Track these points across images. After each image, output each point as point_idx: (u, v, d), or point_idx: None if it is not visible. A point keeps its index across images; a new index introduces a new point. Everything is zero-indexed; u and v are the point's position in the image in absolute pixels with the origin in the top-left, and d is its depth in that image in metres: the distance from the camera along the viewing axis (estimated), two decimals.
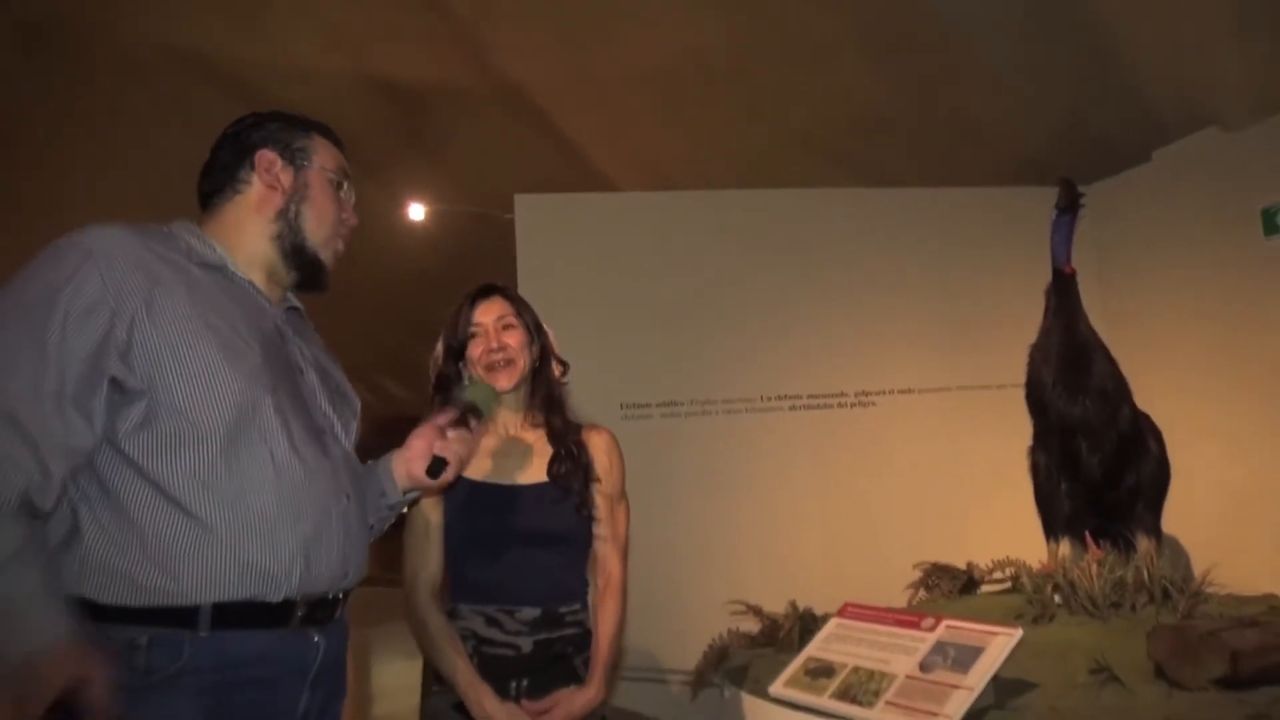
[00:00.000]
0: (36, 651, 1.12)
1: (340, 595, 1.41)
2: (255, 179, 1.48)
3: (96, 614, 1.22)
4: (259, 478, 1.30)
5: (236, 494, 1.28)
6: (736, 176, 4.59)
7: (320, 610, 1.36)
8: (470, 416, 1.61)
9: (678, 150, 5.28)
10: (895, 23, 3.86)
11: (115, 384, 1.25)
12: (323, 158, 1.52)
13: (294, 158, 1.50)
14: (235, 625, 1.25)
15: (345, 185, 1.55)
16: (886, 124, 4.35)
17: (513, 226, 4.26)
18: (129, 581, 1.22)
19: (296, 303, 1.59)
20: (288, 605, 1.30)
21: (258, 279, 1.48)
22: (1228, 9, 3.05)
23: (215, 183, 1.50)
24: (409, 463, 1.56)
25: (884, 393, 3.69)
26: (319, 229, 1.50)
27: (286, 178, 1.49)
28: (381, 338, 8.34)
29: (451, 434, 1.57)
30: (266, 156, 1.48)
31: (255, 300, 1.46)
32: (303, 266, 1.50)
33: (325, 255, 1.52)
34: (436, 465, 1.53)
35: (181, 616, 1.23)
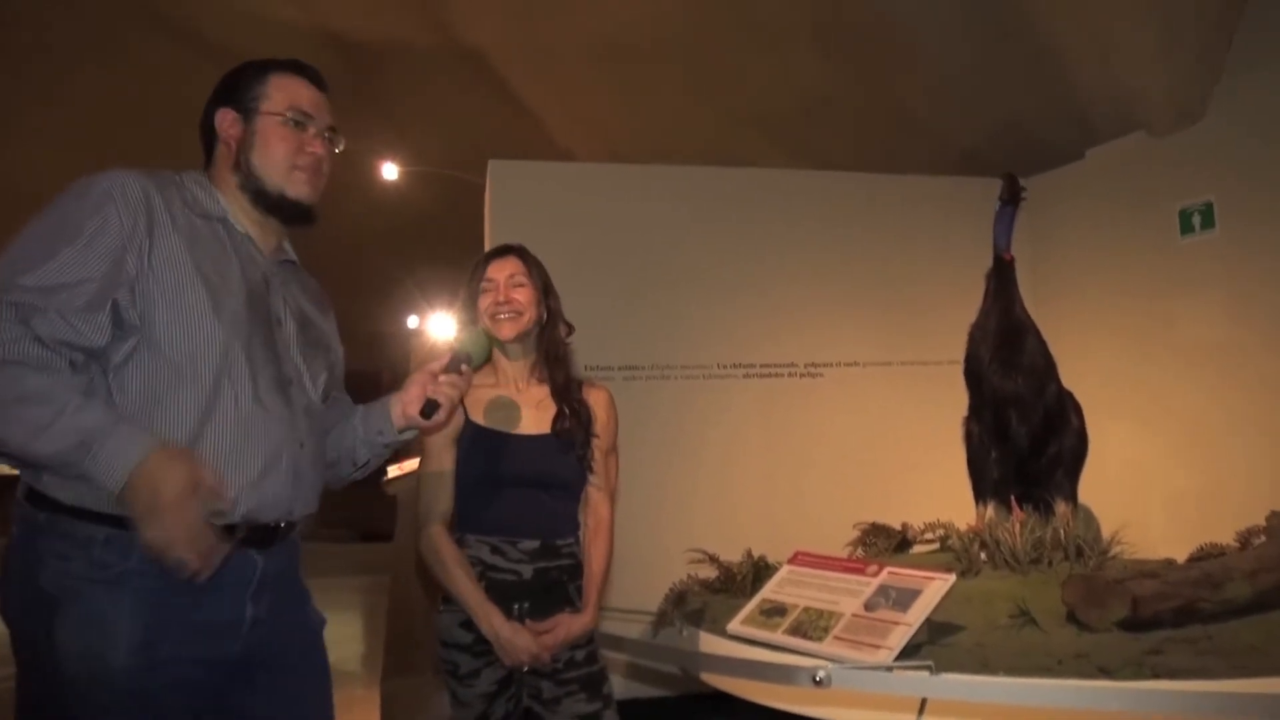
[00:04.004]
0: (142, 461, 1.26)
1: (282, 524, 1.53)
2: (219, 137, 1.59)
3: (63, 510, 1.35)
4: (219, 419, 1.43)
5: (196, 431, 1.40)
6: (686, 153, 4.70)
7: (262, 535, 1.49)
8: (461, 362, 1.70)
9: (630, 123, 5.38)
10: (848, 14, 4.01)
11: (115, 313, 1.37)
12: (276, 100, 1.58)
13: (247, 108, 1.58)
14: None
15: (303, 119, 1.58)
16: (833, 110, 4.51)
17: (472, 189, 4.33)
18: (90, 488, 1.33)
19: (292, 256, 1.69)
20: (230, 528, 1.43)
21: (252, 231, 1.59)
22: (1158, 27, 3.29)
23: (204, 141, 1.62)
24: (405, 405, 1.67)
25: (831, 365, 3.91)
26: (269, 168, 1.56)
27: (237, 130, 1.58)
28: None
29: (443, 379, 1.67)
30: (223, 116, 1.58)
31: (248, 251, 1.57)
32: (273, 208, 1.58)
33: (292, 191, 1.57)
34: (429, 407, 1.64)
35: (133, 524, 1.33)
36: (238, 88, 1.59)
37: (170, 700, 1.38)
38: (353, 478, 1.78)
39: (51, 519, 1.36)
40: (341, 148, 1.66)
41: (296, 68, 1.62)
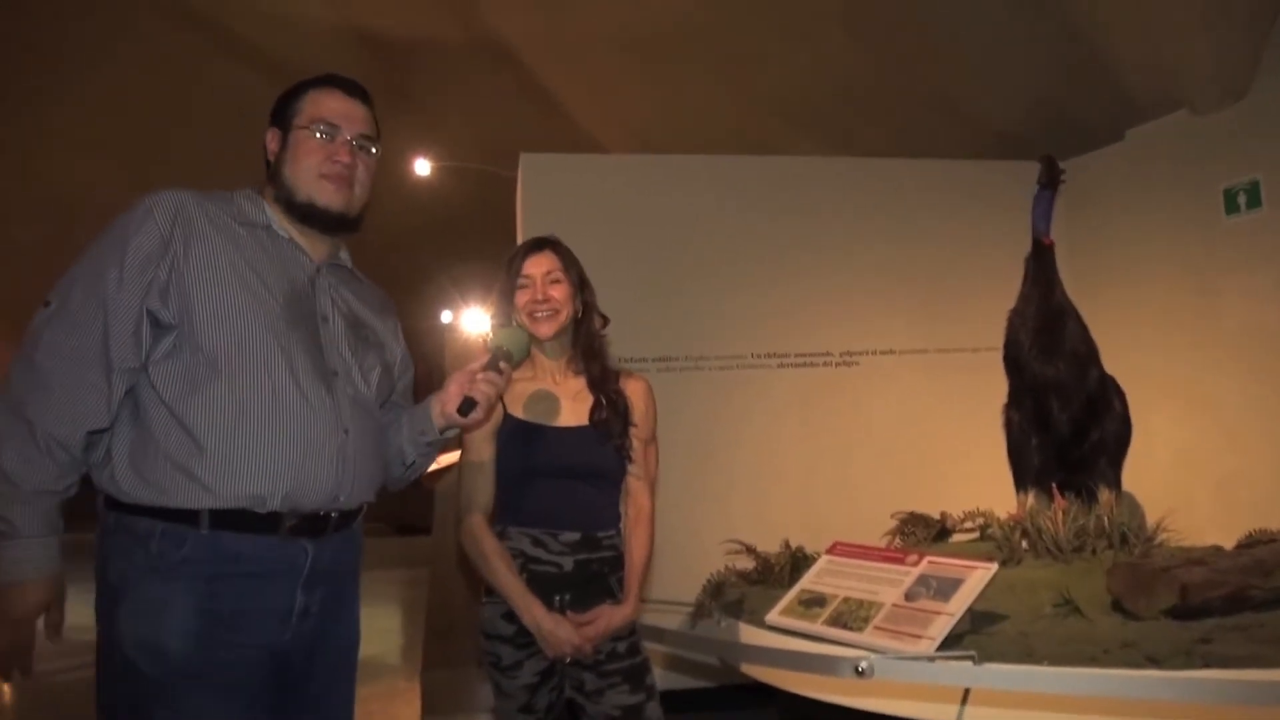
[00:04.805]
0: (29, 582, 1.40)
1: (334, 514, 1.57)
2: (268, 155, 1.69)
3: (122, 507, 1.46)
4: (256, 409, 1.49)
5: (234, 422, 1.47)
6: (717, 142, 4.68)
7: (312, 524, 1.54)
8: (500, 360, 1.73)
9: (660, 114, 5.37)
10: None
11: (152, 317, 1.48)
12: (306, 113, 1.64)
13: (287, 125, 1.65)
14: (230, 527, 1.46)
15: (330, 129, 1.63)
16: (868, 96, 4.47)
17: (504, 183, 4.34)
18: (145, 485, 1.45)
19: (345, 261, 1.76)
20: (275, 516, 1.50)
21: (297, 238, 1.66)
22: (1202, 0, 3.21)
23: (265, 163, 1.70)
24: (443, 403, 1.71)
25: (867, 353, 3.88)
26: (298, 179, 1.62)
27: (276, 146, 1.66)
28: None
29: (481, 377, 1.70)
30: (270, 136, 1.67)
31: (292, 254, 1.64)
32: (305, 217, 1.64)
33: (321, 200, 1.62)
34: (466, 405, 1.67)
35: (185, 517, 1.45)
36: (282, 108, 1.67)
37: (226, 684, 1.44)
38: (406, 478, 1.83)
39: (118, 519, 1.46)
40: (376, 153, 1.70)
41: (331, 81, 1.69)
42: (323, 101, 1.65)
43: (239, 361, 1.49)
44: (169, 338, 1.48)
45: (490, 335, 1.80)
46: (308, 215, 1.63)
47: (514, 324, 1.97)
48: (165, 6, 5.75)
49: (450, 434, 1.78)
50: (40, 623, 1.46)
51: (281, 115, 1.66)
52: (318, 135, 1.62)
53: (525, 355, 1.89)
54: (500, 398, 1.88)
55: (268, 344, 1.51)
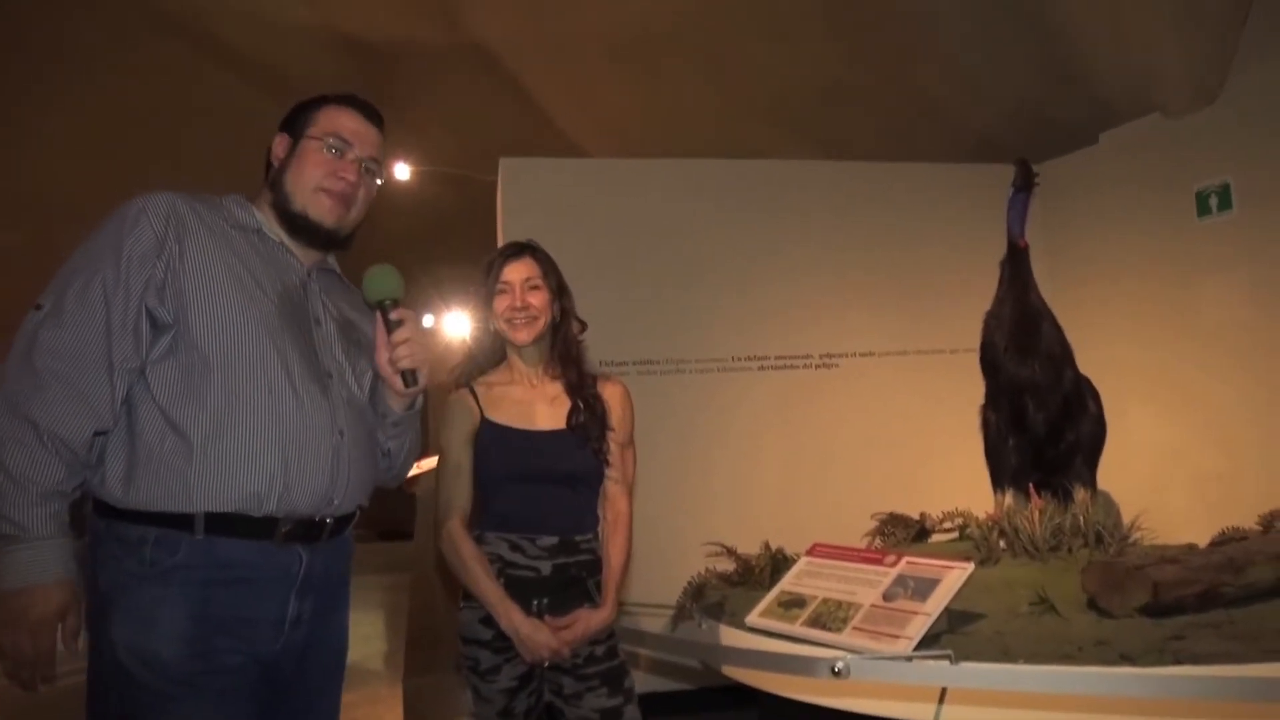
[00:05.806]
0: (45, 585, 1.37)
1: (328, 519, 1.57)
2: (271, 159, 1.68)
3: (114, 514, 1.44)
4: (252, 409, 1.48)
5: (229, 422, 1.46)
6: (700, 144, 4.68)
7: (307, 530, 1.53)
8: (391, 313, 1.64)
9: (644, 117, 5.37)
10: (862, 0, 3.99)
11: (150, 316, 1.47)
12: (320, 125, 1.64)
13: (297, 133, 1.65)
14: (225, 533, 1.45)
15: (341, 145, 1.63)
16: (848, 98, 4.49)
17: (486, 188, 4.34)
18: (138, 489, 1.43)
19: (333, 266, 1.76)
20: (270, 521, 1.48)
21: (287, 241, 1.65)
22: (1173, 4, 3.25)
23: (265, 168, 1.70)
24: (388, 383, 1.69)
25: (846, 355, 3.91)
26: (297, 187, 1.62)
27: (283, 152, 1.65)
28: None
29: (396, 343, 1.64)
30: (278, 141, 1.67)
31: (284, 258, 1.64)
32: (297, 229, 1.64)
33: (314, 213, 1.62)
34: (408, 378, 1.65)
35: (180, 521, 1.43)
36: (296, 116, 1.67)
37: (219, 691, 1.43)
38: (392, 469, 1.83)
39: (110, 525, 1.44)
40: (379, 182, 1.71)
41: (349, 100, 1.69)
42: (339, 118, 1.65)
43: (234, 360, 1.48)
44: (165, 338, 1.47)
45: (365, 293, 1.67)
46: (298, 226, 1.63)
47: (377, 266, 1.71)
48: (152, 12, 5.70)
49: (416, 407, 1.76)
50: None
51: (294, 123, 1.66)
52: (327, 149, 1.63)
53: (401, 284, 1.69)
54: (473, 391, 1.91)
55: (263, 343, 1.51)
